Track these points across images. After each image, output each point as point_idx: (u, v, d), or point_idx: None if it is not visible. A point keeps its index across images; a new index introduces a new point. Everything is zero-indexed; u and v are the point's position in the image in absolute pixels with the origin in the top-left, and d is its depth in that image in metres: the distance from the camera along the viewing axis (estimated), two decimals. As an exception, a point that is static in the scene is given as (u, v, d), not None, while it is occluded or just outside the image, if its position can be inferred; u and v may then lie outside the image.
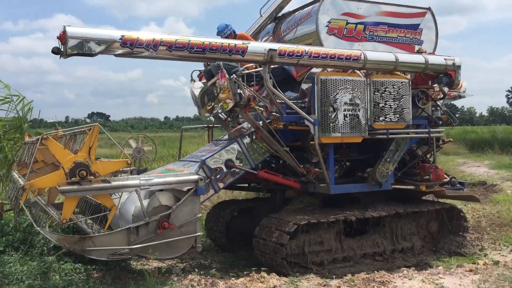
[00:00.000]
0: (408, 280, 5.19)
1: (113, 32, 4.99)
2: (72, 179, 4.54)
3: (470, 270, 5.59)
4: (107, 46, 4.87)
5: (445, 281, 5.13)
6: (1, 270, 5.07)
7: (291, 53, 6.02)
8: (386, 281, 5.09)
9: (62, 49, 4.74)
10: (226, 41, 5.73)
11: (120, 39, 4.94)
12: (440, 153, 23.53)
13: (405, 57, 6.90)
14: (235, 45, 5.65)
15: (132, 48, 5.02)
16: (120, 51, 5.02)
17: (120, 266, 5.27)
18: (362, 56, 6.41)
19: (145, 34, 5.14)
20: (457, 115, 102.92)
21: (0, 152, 7.23)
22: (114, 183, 4.79)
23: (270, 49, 5.78)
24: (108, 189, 4.76)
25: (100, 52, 4.85)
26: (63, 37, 4.69)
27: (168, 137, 30.18)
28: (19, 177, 5.83)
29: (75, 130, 5.68)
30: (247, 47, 5.71)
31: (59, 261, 5.32)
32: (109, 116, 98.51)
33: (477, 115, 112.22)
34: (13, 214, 6.91)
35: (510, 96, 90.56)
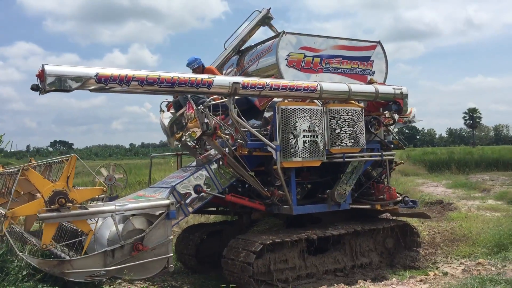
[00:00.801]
0: (365, 291, 5.68)
1: (89, 70, 5.37)
2: (52, 206, 4.86)
3: (421, 280, 6.13)
4: (83, 82, 5.24)
5: (398, 290, 5.65)
6: (-20, 296, 5.26)
7: (253, 86, 6.52)
8: (345, 292, 5.55)
9: (41, 86, 5.08)
10: (194, 76, 6.18)
11: (95, 75, 5.32)
12: (400, 174, 24.61)
13: (357, 87, 7.53)
14: (202, 79, 6.10)
15: (106, 84, 5.39)
16: (94, 87, 5.38)
17: (97, 286, 5.53)
18: (319, 87, 6.98)
19: (118, 71, 5.51)
20: (418, 137, 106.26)
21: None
22: (91, 209, 5.13)
23: (234, 82, 6.27)
24: (86, 215, 5.09)
25: (76, 88, 5.21)
26: (41, 75, 5.04)
27: (134, 164, 29.97)
28: (-4, 206, 6.06)
29: (51, 161, 5.99)
30: (213, 81, 6.17)
31: (36, 286, 5.53)
32: (72, 144, 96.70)
33: (437, 136, 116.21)
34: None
35: (467, 118, 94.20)
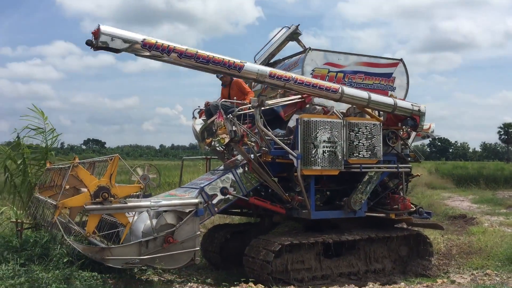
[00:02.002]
0: (373, 292, 6.15)
1: (137, 35, 5.99)
2: (96, 199, 5.56)
3: (427, 286, 6.55)
4: (130, 45, 5.86)
5: (404, 293, 6.11)
6: (30, 275, 6.00)
7: (280, 76, 7.04)
8: (354, 292, 6.04)
9: (94, 42, 5.73)
10: (227, 58, 6.67)
11: (142, 41, 5.95)
12: (427, 187, 24.63)
13: (377, 97, 7.97)
14: (234, 62, 6.64)
15: (150, 50, 6.01)
16: (140, 52, 5.98)
17: (130, 275, 6.20)
18: (340, 90, 7.48)
19: (162, 41, 6.12)
20: (450, 150, 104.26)
21: (24, 177, 8.21)
22: (129, 204, 5.82)
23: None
24: (125, 209, 5.78)
25: (124, 49, 5.82)
26: (96, 33, 5.69)
27: (164, 166, 30.60)
28: (46, 198, 6.84)
29: (95, 160, 6.74)
30: (244, 65, 6.75)
31: (78, 270, 6.25)
32: (105, 143, 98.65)
33: (471, 150, 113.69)
34: (30, 232, 7.83)
35: (502, 133, 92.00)
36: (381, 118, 8.29)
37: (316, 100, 8.00)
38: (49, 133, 8.39)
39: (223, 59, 6.58)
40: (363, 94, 7.81)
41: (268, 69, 7.04)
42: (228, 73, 7.12)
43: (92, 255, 5.64)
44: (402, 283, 6.95)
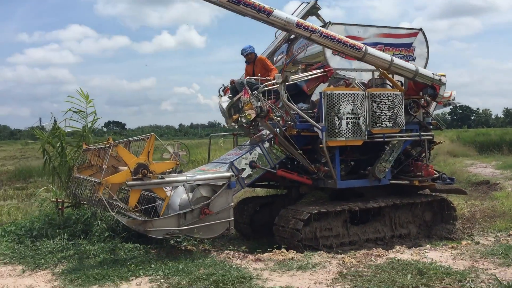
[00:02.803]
0: (400, 254, 6.44)
1: None
2: (136, 176, 5.95)
3: (452, 247, 6.80)
4: None
5: (429, 254, 6.35)
6: (79, 248, 6.49)
7: (306, 27, 7.28)
8: (381, 254, 6.35)
9: None
10: (258, 2, 6.94)
11: None
12: (449, 155, 24.59)
13: (399, 61, 8.15)
14: (264, 6, 6.93)
15: None
16: None
17: (171, 245, 6.63)
18: (364, 48, 7.67)
19: None
20: (472, 117, 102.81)
21: (62, 159, 8.67)
22: (167, 179, 6.21)
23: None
24: (164, 184, 6.17)
25: None
26: None
27: (185, 144, 31.13)
28: (87, 177, 7.28)
29: (130, 139, 7.12)
30: (273, 11, 7.02)
31: (121, 242, 6.70)
32: (125, 124, 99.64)
33: (493, 116, 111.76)
34: (70, 210, 8.31)
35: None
36: (403, 88, 8.45)
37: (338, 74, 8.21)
38: (91, 115, 8.79)
39: (254, 2, 6.84)
40: (386, 56, 7.99)
41: (295, 18, 7.25)
42: (256, 17, 7.17)
43: (136, 227, 6.06)
44: (428, 246, 7.22)
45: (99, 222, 7.34)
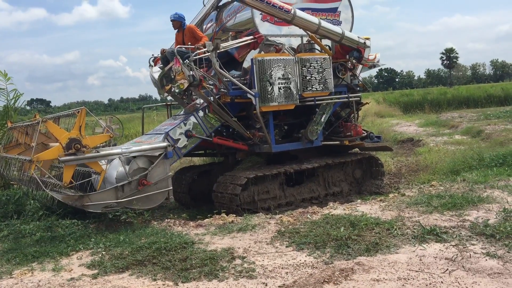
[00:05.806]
0: (333, 210, 6.81)
1: None
2: (69, 151, 5.81)
3: (380, 200, 7.29)
4: None
5: (360, 208, 6.78)
6: (13, 228, 6.29)
7: None
8: (317, 211, 6.68)
9: None
10: None
11: None
12: (376, 116, 25.74)
13: (326, 24, 8.41)
14: None
15: None
16: None
17: (109, 219, 6.57)
18: (292, 11, 7.85)
19: None
20: (396, 80, 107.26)
21: (-13, 138, 8.24)
22: (102, 152, 6.11)
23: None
24: (98, 157, 6.07)
25: None
26: None
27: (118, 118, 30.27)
28: (16, 156, 6.99)
29: (60, 114, 6.89)
30: None
31: (57, 220, 6.55)
32: (50, 102, 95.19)
33: (416, 78, 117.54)
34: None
35: (444, 58, 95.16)
36: (331, 52, 8.73)
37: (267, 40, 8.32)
38: (11, 93, 8.35)
39: None
40: (314, 19, 8.20)
41: None
42: None
43: (72, 202, 5.96)
44: (359, 201, 7.67)
45: (32, 201, 7.13)
